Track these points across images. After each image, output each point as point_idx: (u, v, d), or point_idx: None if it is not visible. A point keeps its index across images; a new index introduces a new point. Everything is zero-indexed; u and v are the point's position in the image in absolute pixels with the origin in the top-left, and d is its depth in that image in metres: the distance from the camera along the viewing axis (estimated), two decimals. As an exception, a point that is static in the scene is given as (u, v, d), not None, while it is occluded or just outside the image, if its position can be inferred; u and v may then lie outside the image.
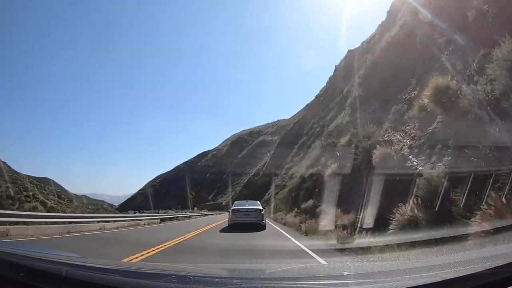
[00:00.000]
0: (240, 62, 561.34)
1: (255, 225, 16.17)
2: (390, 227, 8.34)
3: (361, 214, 10.80)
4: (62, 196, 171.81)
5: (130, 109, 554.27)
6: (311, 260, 7.74)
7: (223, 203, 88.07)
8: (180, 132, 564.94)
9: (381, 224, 9.05)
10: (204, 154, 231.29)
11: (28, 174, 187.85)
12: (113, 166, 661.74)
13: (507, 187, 6.37)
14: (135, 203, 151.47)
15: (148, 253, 8.50)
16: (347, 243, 9.22)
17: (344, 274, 2.58)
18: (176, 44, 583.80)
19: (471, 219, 6.27)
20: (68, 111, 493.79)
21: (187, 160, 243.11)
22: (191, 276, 2.07)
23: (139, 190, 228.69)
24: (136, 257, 7.73)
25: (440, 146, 9.47)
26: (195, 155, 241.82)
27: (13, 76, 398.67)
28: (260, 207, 17.34)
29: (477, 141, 8.05)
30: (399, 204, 8.43)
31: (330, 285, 2.01)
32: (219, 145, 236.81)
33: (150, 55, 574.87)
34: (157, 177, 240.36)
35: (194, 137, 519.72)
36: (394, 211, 8.42)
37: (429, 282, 1.63)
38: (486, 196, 6.45)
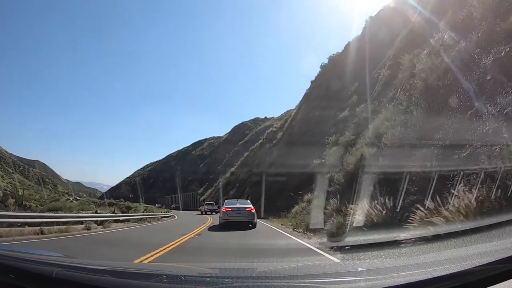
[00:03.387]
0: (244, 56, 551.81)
1: (246, 224, 16.61)
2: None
3: (352, 212, 10.84)
4: (47, 180, 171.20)
5: (129, 99, 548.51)
6: (303, 259, 7.76)
7: (201, 199, 74.28)
8: (181, 122, 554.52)
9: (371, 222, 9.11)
10: (199, 143, 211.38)
11: (17, 155, 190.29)
12: (112, 156, 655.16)
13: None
14: (119, 193, 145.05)
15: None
16: (337, 241, 9.28)
17: (332, 272, 2.61)
18: (177, 35, 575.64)
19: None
20: (67, 100, 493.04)
21: (180, 148, 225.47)
22: (182, 276, 2.07)
23: (125, 178, 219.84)
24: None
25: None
26: (190, 143, 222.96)
27: (11, 59, 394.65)
28: (251, 206, 17.76)
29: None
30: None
31: (321, 283, 2.02)
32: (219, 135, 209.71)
33: (151, 44, 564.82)
34: (147, 166, 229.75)
35: (195, 128, 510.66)
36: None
37: (420, 279, 1.64)
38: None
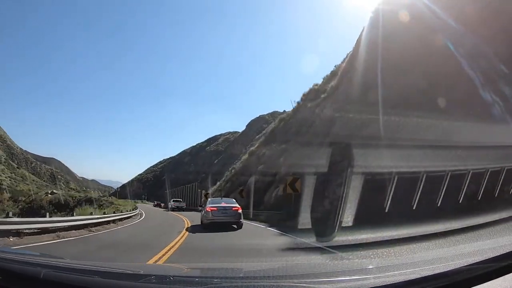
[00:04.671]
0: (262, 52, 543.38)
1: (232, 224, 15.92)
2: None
3: (340, 213, 10.89)
4: (59, 176, 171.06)
5: (146, 97, 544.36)
6: (292, 259, 7.77)
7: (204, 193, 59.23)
8: (196, 119, 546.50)
9: (360, 222, 9.17)
10: (214, 138, 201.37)
11: (33, 153, 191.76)
12: (128, 154, 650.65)
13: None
14: (131, 190, 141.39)
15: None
16: (326, 241, 9.30)
17: (321, 271, 2.61)
18: (191, 32, 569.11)
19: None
20: (85, 99, 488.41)
21: (194, 144, 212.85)
22: (171, 276, 2.05)
23: (137, 175, 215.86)
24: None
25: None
26: (204, 139, 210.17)
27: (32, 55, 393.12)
28: (237, 205, 16.84)
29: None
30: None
31: (310, 283, 2.02)
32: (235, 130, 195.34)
33: (171, 41, 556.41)
34: (159, 162, 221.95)
35: (210, 124, 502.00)
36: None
37: (408, 279, 1.65)
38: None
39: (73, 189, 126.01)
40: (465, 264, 1.72)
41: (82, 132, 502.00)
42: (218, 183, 52.12)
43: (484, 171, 6.95)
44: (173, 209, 46.32)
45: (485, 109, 9.19)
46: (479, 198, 6.34)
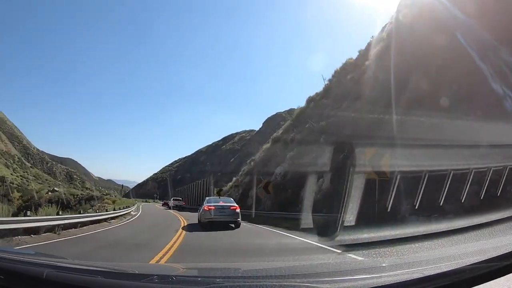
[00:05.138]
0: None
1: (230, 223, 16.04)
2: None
3: (343, 212, 10.83)
4: (75, 176, 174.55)
5: (160, 98, 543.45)
6: (294, 258, 7.76)
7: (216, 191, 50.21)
8: (211, 118, 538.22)
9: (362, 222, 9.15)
10: (230, 137, 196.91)
11: (50, 153, 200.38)
12: (144, 154, 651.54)
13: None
14: (145, 190, 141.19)
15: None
16: (328, 240, 9.27)
17: (323, 271, 2.61)
18: (207, 31, 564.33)
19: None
20: (100, 101, 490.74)
21: (210, 143, 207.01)
22: (173, 276, 2.05)
23: (152, 175, 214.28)
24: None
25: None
26: (220, 138, 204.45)
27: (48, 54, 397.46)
28: (236, 205, 16.96)
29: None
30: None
31: (313, 283, 2.01)
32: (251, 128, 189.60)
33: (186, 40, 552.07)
34: (175, 162, 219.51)
35: (226, 123, 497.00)
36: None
37: (410, 279, 1.65)
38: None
39: (88, 188, 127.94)
40: (468, 263, 1.71)
41: (100, 133, 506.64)
42: (234, 178, 46.16)
43: (486, 170, 6.94)
44: (173, 208, 46.94)
45: None
46: (481, 198, 6.32)
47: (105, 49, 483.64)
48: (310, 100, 36.46)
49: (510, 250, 1.77)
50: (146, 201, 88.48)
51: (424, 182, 7.88)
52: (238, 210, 16.36)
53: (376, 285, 1.62)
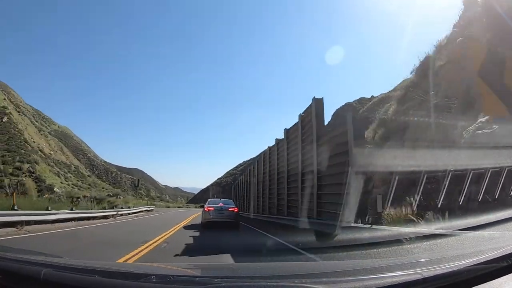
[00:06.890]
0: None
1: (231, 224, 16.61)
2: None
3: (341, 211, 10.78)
4: (140, 184, 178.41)
5: (221, 104, 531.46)
6: (292, 258, 7.77)
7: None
8: (274, 117, 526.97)
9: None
10: None
11: (117, 164, 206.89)
12: (210, 161, 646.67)
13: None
14: (208, 195, 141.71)
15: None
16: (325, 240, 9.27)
17: (320, 271, 2.61)
18: (258, 36, 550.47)
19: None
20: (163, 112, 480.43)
21: (274, 143, 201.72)
22: (171, 275, 2.05)
23: (217, 179, 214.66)
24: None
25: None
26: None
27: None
28: (235, 206, 17.87)
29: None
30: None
31: (309, 283, 2.01)
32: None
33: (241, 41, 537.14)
34: (239, 165, 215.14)
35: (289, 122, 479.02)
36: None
37: (409, 280, 1.65)
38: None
39: (152, 197, 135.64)
40: (466, 265, 1.72)
41: (167, 143, 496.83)
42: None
43: (484, 171, 6.94)
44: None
45: None
46: (479, 199, 6.33)
47: (163, 54, 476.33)
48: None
49: (510, 252, 1.77)
50: (201, 206, 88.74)
51: (422, 183, 7.87)
52: (236, 211, 17.34)
53: (375, 286, 1.62)
